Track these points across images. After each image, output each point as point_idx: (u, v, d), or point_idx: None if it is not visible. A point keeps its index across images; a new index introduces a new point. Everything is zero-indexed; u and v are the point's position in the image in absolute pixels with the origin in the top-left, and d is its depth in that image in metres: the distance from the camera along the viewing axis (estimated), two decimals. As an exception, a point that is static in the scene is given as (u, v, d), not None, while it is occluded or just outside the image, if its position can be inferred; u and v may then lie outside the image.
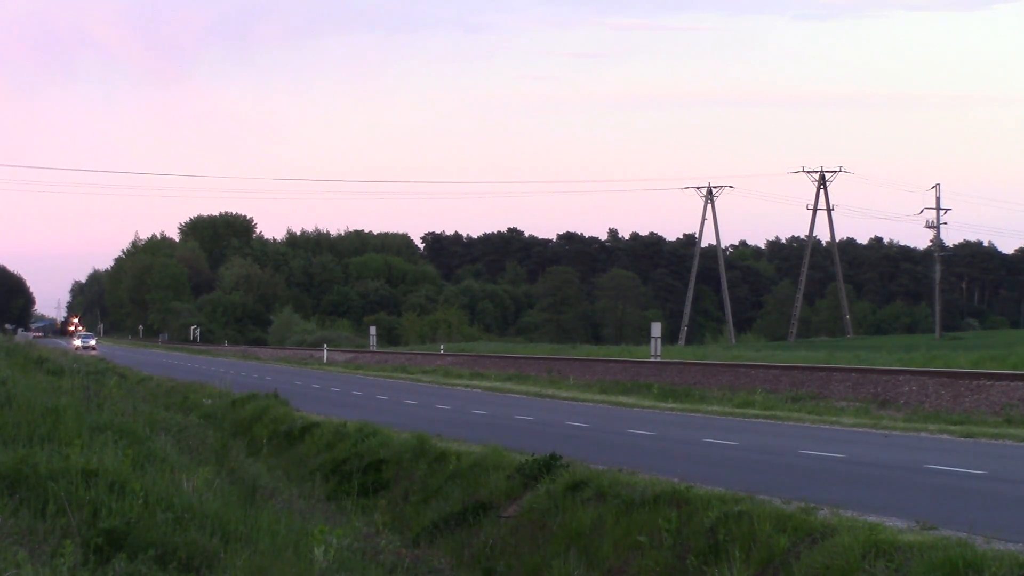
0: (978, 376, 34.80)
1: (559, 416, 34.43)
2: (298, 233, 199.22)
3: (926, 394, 34.58)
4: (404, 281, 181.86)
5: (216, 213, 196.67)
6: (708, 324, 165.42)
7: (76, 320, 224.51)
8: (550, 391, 46.20)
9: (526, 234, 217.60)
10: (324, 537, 12.96)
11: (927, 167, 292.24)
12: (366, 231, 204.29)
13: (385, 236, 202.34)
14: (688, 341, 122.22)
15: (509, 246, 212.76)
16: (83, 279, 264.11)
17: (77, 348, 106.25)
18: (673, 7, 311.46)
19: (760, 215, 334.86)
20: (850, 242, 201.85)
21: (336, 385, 55.55)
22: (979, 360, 42.55)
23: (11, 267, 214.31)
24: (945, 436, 26.84)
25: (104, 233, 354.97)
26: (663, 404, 38.45)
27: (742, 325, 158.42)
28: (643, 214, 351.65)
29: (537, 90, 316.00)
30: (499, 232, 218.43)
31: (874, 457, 22.76)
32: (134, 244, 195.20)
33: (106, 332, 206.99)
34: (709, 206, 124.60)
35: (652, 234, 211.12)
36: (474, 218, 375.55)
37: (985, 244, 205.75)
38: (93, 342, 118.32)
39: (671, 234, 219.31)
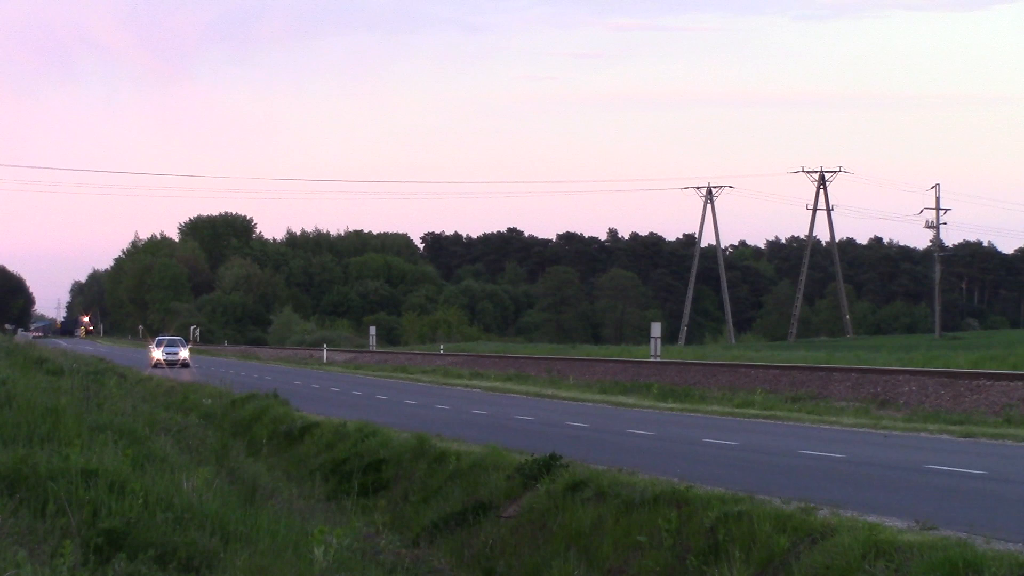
0: (978, 376, 34.81)
1: (559, 416, 34.42)
2: (298, 233, 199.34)
3: (926, 394, 34.59)
4: (404, 281, 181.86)
5: (216, 213, 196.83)
6: (708, 324, 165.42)
7: (86, 319, 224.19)
8: (550, 391, 46.19)
9: (526, 234, 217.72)
10: (324, 537, 12.96)
11: (927, 167, 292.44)
12: (366, 231, 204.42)
13: (385, 236, 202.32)
14: (688, 341, 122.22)
15: (509, 246, 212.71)
16: (83, 279, 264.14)
17: (159, 363, 71.68)
18: (673, 7, 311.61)
19: (760, 215, 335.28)
20: (850, 242, 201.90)
21: (336, 385, 55.55)
22: (979, 360, 42.57)
23: (11, 267, 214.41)
24: (945, 436, 26.83)
25: (104, 233, 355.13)
26: (663, 404, 38.44)
27: (742, 325, 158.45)
28: (643, 214, 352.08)
29: (537, 90, 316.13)
30: (499, 232, 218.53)
31: (874, 457, 22.76)
32: (134, 244, 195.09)
33: (106, 332, 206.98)
34: (709, 206, 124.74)
35: (652, 234, 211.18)
36: (474, 218, 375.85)
37: (985, 244, 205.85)
38: (185, 353, 76.68)
39: (671, 234, 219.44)
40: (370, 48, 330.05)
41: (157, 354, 74.92)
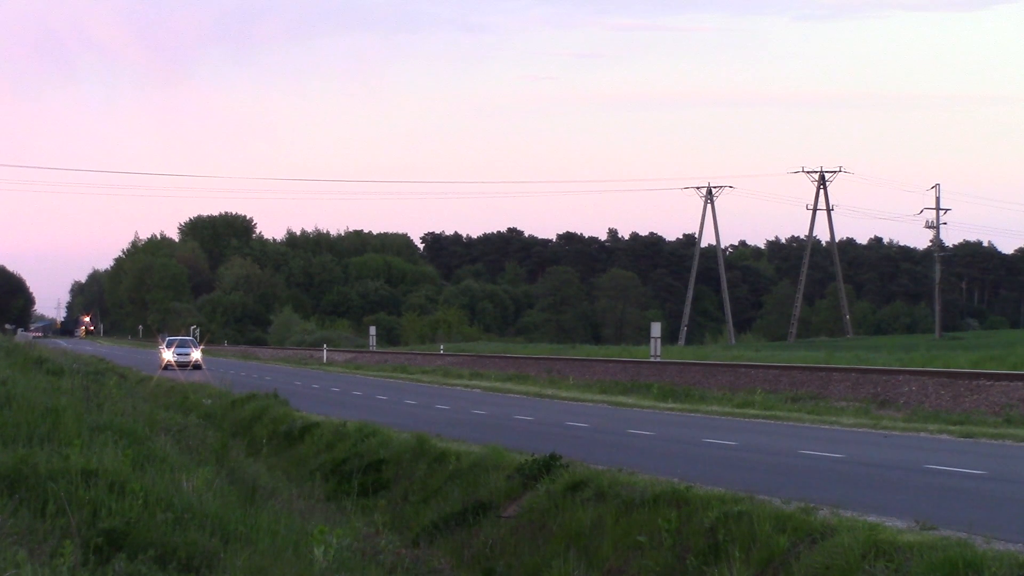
0: (978, 376, 34.81)
1: (559, 416, 34.43)
2: (298, 233, 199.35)
3: (926, 394, 34.58)
4: (404, 281, 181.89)
5: (216, 213, 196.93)
6: (708, 324, 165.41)
7: (87, 319, 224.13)
8: (550, 391, 46.20)
9: (526, 234, 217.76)
10: (324, 537, 12.96)
11: (927, 167, 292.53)
12: (366, 231, 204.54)
13: (385, 236, 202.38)
14: (688, 341, 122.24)
15: (509, 246, 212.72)
16: (83, 279, 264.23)
17: (170, 365, 68.15)
18: (673, 7, 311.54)
19: (760, 215, 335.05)
20: (850, 242, 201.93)
21: (336, 385, 55.55)
22: (979, 360, 42.58)
23: (11, 267, 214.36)
24: (945, 436, 26.84)
25: (104, 233, 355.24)
26: (663, 404, 38.45)
27: (742, 325, 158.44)
28: (643, 214, 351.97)
29: (537, 90, 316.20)
30: (499, 232, 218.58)
31: (874, 457, 22.76)
32: (134, 244, 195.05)
33: (106, 332, 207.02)
34: (709, 206, 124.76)
35: (652, 234, 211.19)
36: (474, 218, 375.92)
37: (985, 244, 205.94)
38: (197, 355, 73.33)
39: (671, 234, 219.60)
40: (370, 48, 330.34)
41: (167, 355, 71.27)
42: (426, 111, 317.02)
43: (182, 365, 68.20)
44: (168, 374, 58.10)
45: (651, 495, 18.14)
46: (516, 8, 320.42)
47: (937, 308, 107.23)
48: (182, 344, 74.87)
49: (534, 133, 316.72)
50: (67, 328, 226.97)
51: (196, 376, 56.83)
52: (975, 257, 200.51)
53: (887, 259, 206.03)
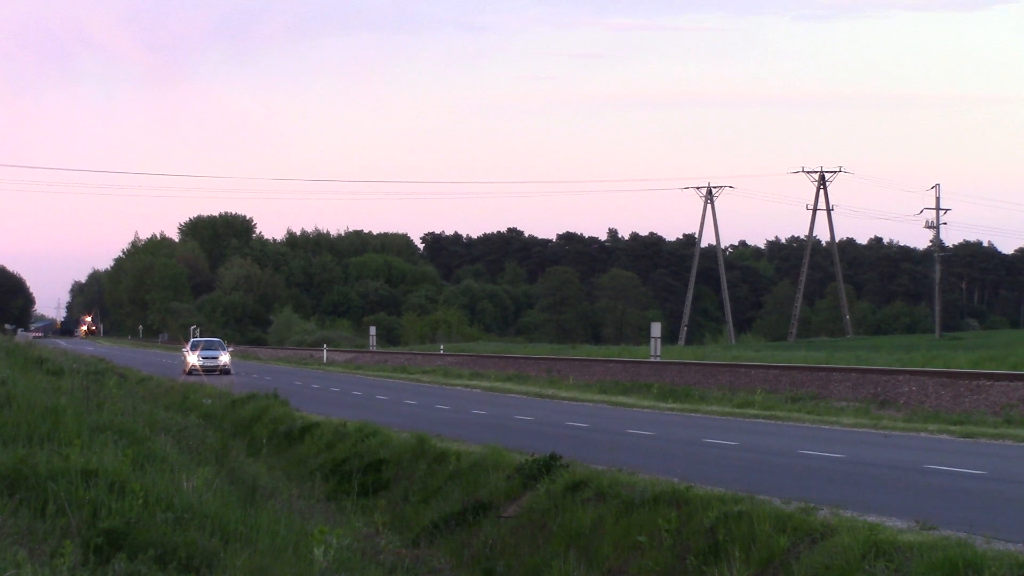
0: (978, 376, 34.80)
1: (559, 416, 34.43)
2: (298, 233, 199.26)
3: (926, 394, 34.58)
4: (404, 281, 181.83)
5: (216, 213, 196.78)
6: (708, 324, 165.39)
7: (89, 319, 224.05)
8: (550, 391, 46.20)
9: (526, 234, 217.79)
10: (324, 537, 12.96)
11: (927, 167, 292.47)
12: (366, 231, 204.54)
13: (385, 236, 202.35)
14: (688, 341, 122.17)
15: (509, 246, 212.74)
16: (83, 279, 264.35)
17: (195, 369, 63.15)
18: (673, 7, 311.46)
19: (760, 215, 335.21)
20: (850, 242, 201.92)
21: (336, 385, 55.54)
22: (979, 360, 42.54)
23: (11, 267, 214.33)
24: (945, 436, 26.85)
25: (104, 233, 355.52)
26: (663, 404, 38.46)
27: (742, 325, 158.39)
28: (643, 214, 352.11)
29: (537, 90, 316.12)
30: (499, 232, 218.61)
31: (874, 457, 22.77)
32: (134, 244, 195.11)
33: (106, 332, 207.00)
34: (709, 206, 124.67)
35: (652, 234, 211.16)
36: (474, 218, 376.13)
37: (985, 244, 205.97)
38: (226, 358, 67.21)
39: (671, 234, 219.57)
40: (370, 48, 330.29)
41: (192, 359, 65.04)
42: (426, 111, 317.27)
43: (208, 370, 62.87)
44: (195, 379, 54.29)
45: (651, 495, 18.14)
46: (516, 8, 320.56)
47: (937, 308, 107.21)
48: (208, 346, 68.75)
49: (534, 133, 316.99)
50: (67, 328, 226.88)
51: (224, 382, 51.01)
52: (975, 257, 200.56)
53: (887, 259, 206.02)
